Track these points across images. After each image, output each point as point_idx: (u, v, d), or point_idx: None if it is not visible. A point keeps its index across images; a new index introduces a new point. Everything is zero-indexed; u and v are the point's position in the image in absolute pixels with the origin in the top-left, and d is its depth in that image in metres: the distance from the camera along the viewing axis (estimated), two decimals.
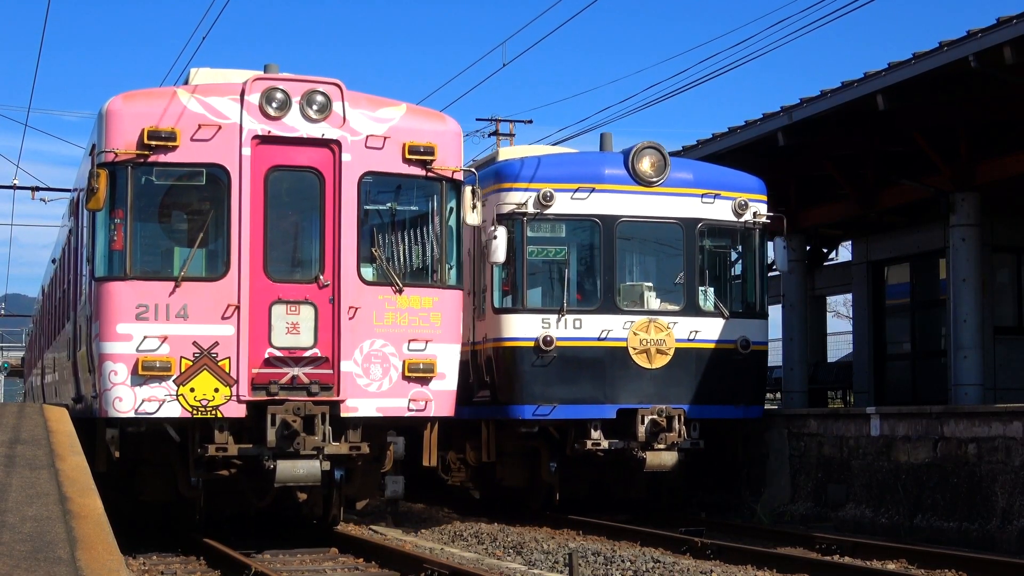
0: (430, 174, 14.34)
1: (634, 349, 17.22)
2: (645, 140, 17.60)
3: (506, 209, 17.22)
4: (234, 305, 13.57)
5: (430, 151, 14.26)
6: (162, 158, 13.57)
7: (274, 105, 13.84)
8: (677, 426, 16.95)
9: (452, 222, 14.53)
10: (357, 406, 13.82)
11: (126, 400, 13.40)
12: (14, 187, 32.94)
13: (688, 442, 17.18)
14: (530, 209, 17.18)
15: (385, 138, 14.16)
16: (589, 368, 17.13)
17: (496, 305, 17.40)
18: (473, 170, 15.61)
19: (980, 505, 14.52)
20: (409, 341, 14.07)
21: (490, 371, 17.45)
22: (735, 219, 17.93)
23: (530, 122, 41.46)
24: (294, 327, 13.73)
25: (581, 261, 17.95)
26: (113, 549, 7.41)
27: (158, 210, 14.24)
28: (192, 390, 13.48)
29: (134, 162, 13.50)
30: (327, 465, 13.69)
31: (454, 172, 14.50)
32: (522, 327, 17.15)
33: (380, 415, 14.00)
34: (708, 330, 17.62)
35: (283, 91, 13.89)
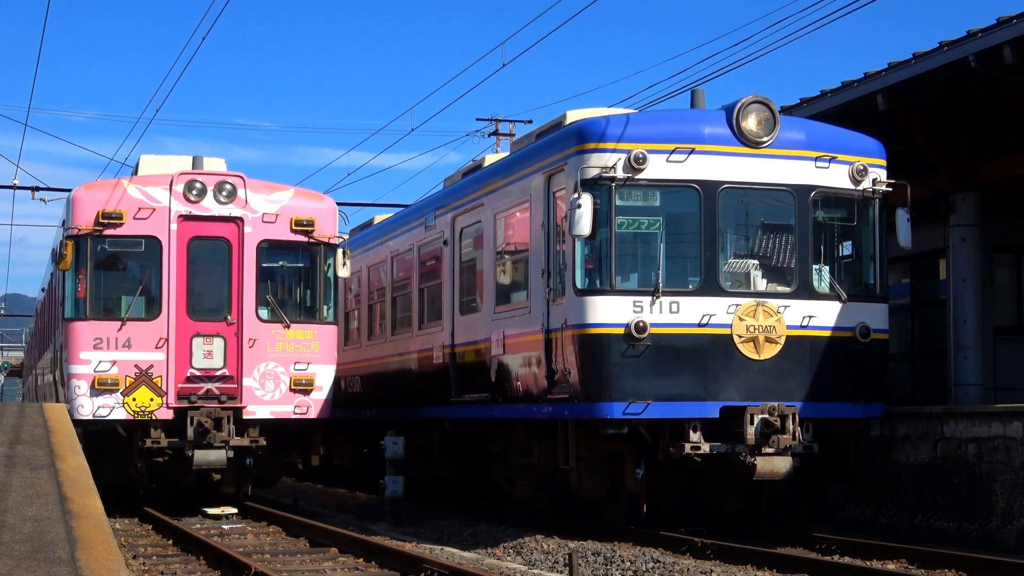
0: (311, 240, 19.38)
1: (739, 337, 14.92)
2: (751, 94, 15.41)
3: (591, 174, 14.85)
4: (164, 338, 18.65)
5: (311, 223, 19.36)
6: (112, 232, 18.75)
7: (194, 193, 18.96)
8: (791, 427, 14.65)
9: (330, 274, 19.54)
10: (255, 411, 18.83)
11: (87, 407, 18.33)
12: (14, 187, 32.95)
13: (800, 445, 14.86)
14: (619, 173, 14.79)
15: (277, 215, 19.25)
16: (688, 359, 14.79)
17: (579, 285, 14.94)
18: (344, 236, 20.55)
19: (980, 505, 14.51)
20: (295, 363, 19.07)
21: (570, 363, 15.11)
22: (852, 187, 15.66)
23: (530, 122, 41.23)
24: (209, 354, 18.82)
25: (678, 234, 15.53)
26: (113, 549, 7.41)
27: (109, 269, 19.17)
28: (134, 399, 18.45)
29: (92, 235, 18.68)
30: (232, 454, 18.49)
31: (330, 238, 19.53)
32: (610, 311, 14.73)
33: (273, 417, 18.94)
34: (823, 315, 15.33)
35: (201, 182, 19.05)
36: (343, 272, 19.57)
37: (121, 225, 18.68)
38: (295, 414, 18.95)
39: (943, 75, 16.83)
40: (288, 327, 19.05)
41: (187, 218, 18.91)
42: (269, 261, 19.39)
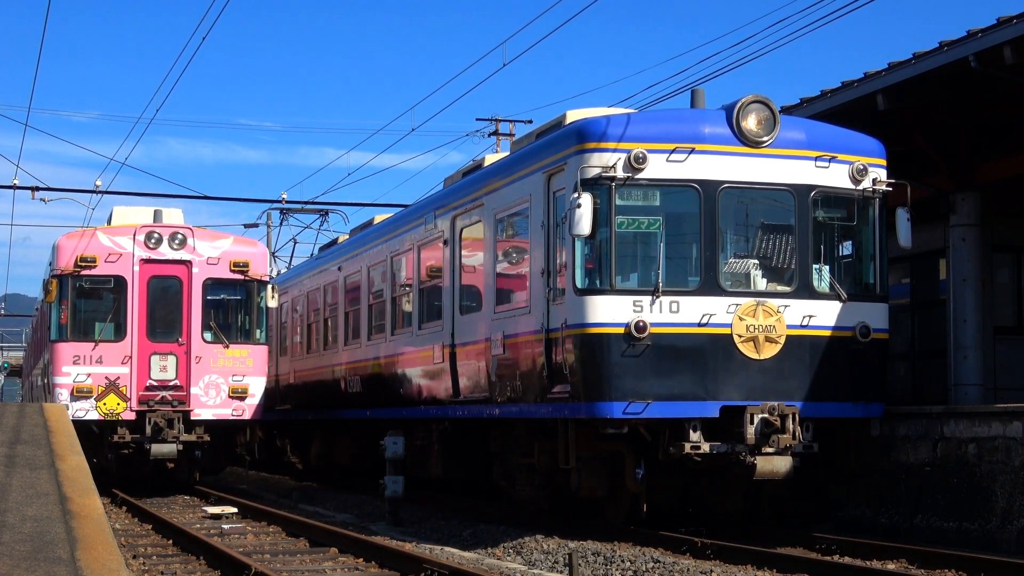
0: (246, 278, 24.56)
1: (739, 336, 14.88)
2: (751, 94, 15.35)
3: (591, 173, 14.83)
4: (129, 356, 23.68)
5: (246, 265, 24.53)
6: (88, 272, 23.88)
7: (152, 242, 24.09)
8: (791, 427, 14.59)
9: (262, 305, 24.73)
10: (200, 413, 23.89)
11: (67, 410, 21.42)
12: (14, 187, 32.84)
13: (800, 445, 14.79)
14: (619, 173, 14.76)
15: (219, 258, 24.42)
16: (688, 358, 14.75)
17: (579, 285, 14.90)
18: (272, 275, 26.19)
19: (980, 505, 14.51)
20: (232, 375, 24.13)
21: (570, 363, 15.10)
22: (852, 186, 15.62)
23: (530, 122, 41.21)
24: (164, 368, 23.85)
25: (678, 234, 15.50)
26: (113, 549, 7.40)
27: (85, 301, 24.10)
28: (104, 404, 23.39)
29: (72, 275, 23.82)
30: (181, 447, 23.45)
31: (262, 276, 24.77)
32: (611, 311, 14.69)
33: (215, 418, 24.01)
34: (823, 315, 15.30)
35: (158, 233, 24.18)
36: (272, 303, 24.97)
37: (95, 267, 23.80)
38: (232, 416, 24.10)
39: (943, 75, 16.82)
40: (228, 347, 24.16)
41: (147, 261, 24.08)
42: (212, 295, 24.47)
